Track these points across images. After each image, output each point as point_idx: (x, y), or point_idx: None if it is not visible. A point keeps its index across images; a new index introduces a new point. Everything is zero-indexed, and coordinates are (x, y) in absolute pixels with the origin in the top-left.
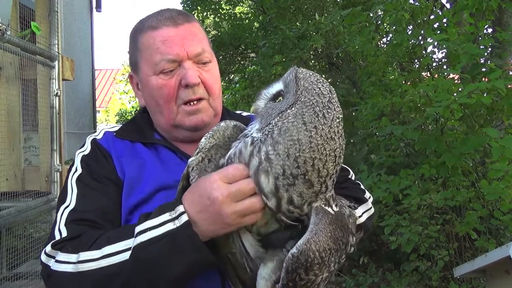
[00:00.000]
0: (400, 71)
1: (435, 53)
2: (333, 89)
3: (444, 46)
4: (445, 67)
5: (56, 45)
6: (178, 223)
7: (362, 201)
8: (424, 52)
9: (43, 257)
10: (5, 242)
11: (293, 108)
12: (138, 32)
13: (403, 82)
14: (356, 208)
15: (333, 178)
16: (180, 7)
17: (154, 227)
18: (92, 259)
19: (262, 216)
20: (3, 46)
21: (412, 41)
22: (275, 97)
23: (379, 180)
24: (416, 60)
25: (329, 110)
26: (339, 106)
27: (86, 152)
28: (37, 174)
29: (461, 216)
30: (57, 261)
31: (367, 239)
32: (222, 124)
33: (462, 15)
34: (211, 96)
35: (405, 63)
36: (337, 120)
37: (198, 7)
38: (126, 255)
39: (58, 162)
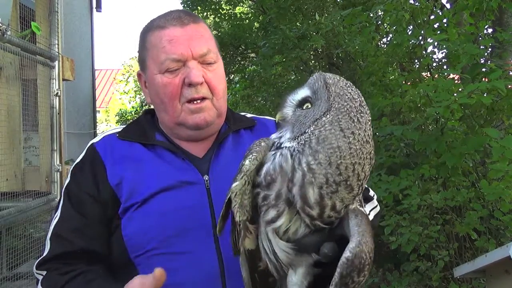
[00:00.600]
0: (400, 71)
1: (435, 53)
2: (360, 92)
3: (444, 46)
4: (445, 67)
5: (56, 45)
6: None
7: (367, 199)
8: (424, 52)
9: (35, 271)
10: (5, 242)
11: (328, 116)
12: (147, 31)
13: (403, 82)
14: (363, 206)
15: (368, 178)
16: (180, 7)
17: None
18: None
19: (293, 222)
20: (4, 46)
21: (412, 41)
22: (301, 103)
23: (379, 180)
24: (416, 60)
25: (362, 114)
26: (368, 108)
27: (78, 160)
28: (37, 174)
29: (461, 216)
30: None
31: None
32: (263, 144)
33: (462, 15)
34: (215, 96)
35: (405, 63)
36: (369, 123)
37: (199, 7)
38: None
39: (58, 162)
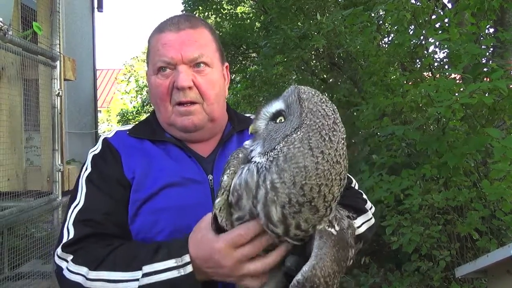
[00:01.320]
0: (401, 71)
1: (436, 53)
2: (336, 108)
3: (446, 46)
4: (446, 67)
5: (58, 45)
6: (182, 271)
7: (362, 211)
8: (425, 52)
9: (56, 259)
10: (7, 242)
11: (298, 132)
12: (151, 34)
13: (405, 82)
14: (355, 219)
15: (337, 200)
16: (181, 7)
17: (159, 272)
18: (101, 280)
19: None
20: (5, 46)
21: (414, 41)
22: (275, 116)
23: (380, 180)
24: (417, 60)
25: (334, 133)
26: (342, 126)
27: (96, 152)
28: (38, 174)
29: (462, 216)
30: (68, 270)
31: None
32: (241, 155)
33: (463, 15)
34: (205, 100)
35: (406, 63)
36: (342, 142)
37: (200, 7)
38: (132, 285)
39: (59, 162)
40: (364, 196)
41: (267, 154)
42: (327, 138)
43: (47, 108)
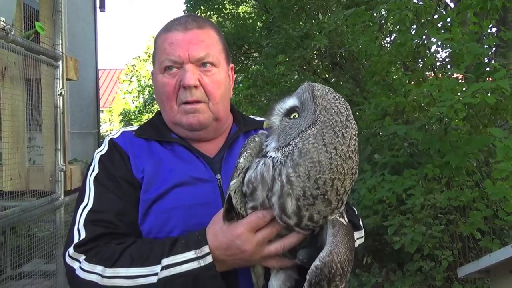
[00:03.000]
0: (403, 70)
1: (439, 53)
2: (348, 105)
3: (448, 45)
4: (449, 66)
5: (60, 45)
6: (202, 262)
7: (358, 227)
8: (428, 51)
9: (67, 259)
10: (10, 241)
11: (313, 129)
12: (158, 34)
13: (407, 81)
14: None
15: (348, 193)
16: (183, 7)
17: (179, 264)
18: (118, 276)
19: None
20: (8, 46)
21: (416, 40)
22: (289, 112)
23: (382, 180)
24: (420, 60)
25: (347, 129)
26: (354, 122)
27: (103, 152)
28: (41, 173)
29: (465, 216)
30: (82, 269)
31: (371, 238)
32: (257, 139)
33: (466, 15)
34: (211, 100)
35: (408, 62)
36: (354, 138)
37: (202, 7)
38: (151, 279)
39: (62, 162)
40: (356, 213)
41: (282, 149)
42: (340, 135)
43: (50, 108)
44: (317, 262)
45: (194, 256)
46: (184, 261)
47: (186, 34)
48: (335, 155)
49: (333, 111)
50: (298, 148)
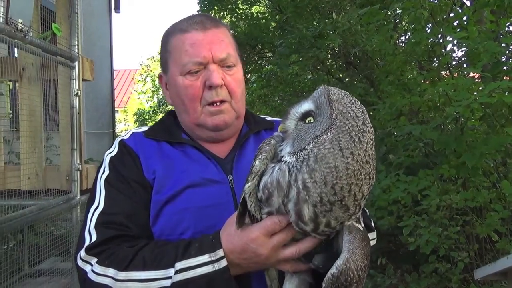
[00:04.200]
0: (418, 70)
1: (454, 52)
2: (365, 109)
3: (464, 44)
4: (465, 65)
5: (76, 46)
6: (217, 266)
7: (370, 229)
8: (443, 50)
9: (79, 262)
10: (27, 240)
11: (328, 134)
12: (170, 34)
13: (422, 81)
14: (361, 223)
15: (366, 198)
16: (197, 7)
17: (193, 267)
18: (131, 280)
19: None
20: (25, 48)
21: (431, 39)
22: (304, 116)
23: (397, 180)
24: (435, 59)
25: (364, 133)
26: (371, 127)
27: (113, 154)
28: (57, 173)
29: (481, 217)
30: (94, 272)
31: (386, 239)
32: (273, 141)
33: (483, 13)
34: (233, 99)
35: (424, 62)
36: (371, 142)
37: (215, 7)
38: (165, 283)
39: (78, 161)
40: (368, 214)
41: (297, 154)
42: (356, 139)
43: (66, 108)
44: (333, 270)
45: (209, 259)
46: (198, 265)
47: (206, 34)
48: (351, 160)
49: (349, 115)
50: (314, 153)
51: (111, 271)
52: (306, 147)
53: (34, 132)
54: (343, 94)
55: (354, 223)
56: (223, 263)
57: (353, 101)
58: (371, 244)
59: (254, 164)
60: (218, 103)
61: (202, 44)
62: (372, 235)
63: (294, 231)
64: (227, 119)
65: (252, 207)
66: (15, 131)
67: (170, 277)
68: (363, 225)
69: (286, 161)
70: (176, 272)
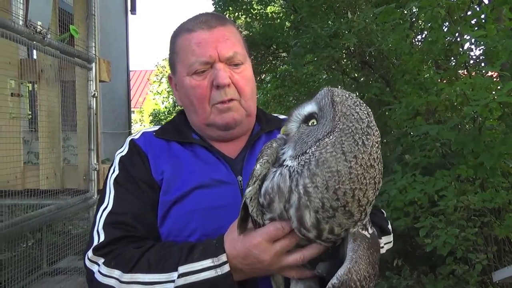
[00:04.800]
0: (435, 69)
1: (472, 50)
2: (370, 110)
3: (482, 42)
4: (483, 64)
5: (93, 48)
6: (220, 271)
7: (386, 232)
8: (461, 49)
9: (87, 262)
10: (46, 238)
11: (331, 137)
12: (176, 35)
13: (439, 80)
14: (380, 238)
15: (373, 204)
16: (212, 8)
17: (196, 272)
18: (135, 282)
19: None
20: (44, 49)
21: (448, 38)
22: (307, 119)
23: (414, 181)
24: (452, 58)
25: (368, 136)
26: (377, 129)
27: (123, 153)
28: (75, 172)
29: (500, 218)
30: (100, 273)
31: (402, 240)
32: (275, 144)
33: (501, 11)
34: (243, 97)
35: (440, 61)
36: (376, 145)
37: (230, 8)
38: (168, 286)
39: (95, 161)
40: (385, 215)
41: (298, 158)
42: (360, 142)
43: (84, 109)
44: (334, 280)
45: (212, 264)
46: (201, 270)
47: (212, 33)
48: (355, 164)
49: (353, 117)
50: (315, 157)
51: (116, 273)
52: (308, 150)
53: (53, 133)
54: (347, 95)
55: (360, 230)
56: (226, 268)
57: (357, 102)
58: (387, 248)
59: (255, 168)
60: (226, 102)
61: (208, 43)
62: (388, 238)
63: (297, 238)
64: (236, 116)
65: (254, 212)
66: (34, 132)
67: (173, 281)
68: (371, 231)
69: (287, 166)
70: (179, 276)
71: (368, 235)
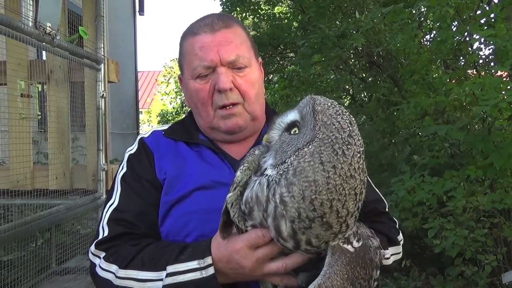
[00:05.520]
0: (444, 69)
1: (481, 50)
2: (354, 119)
3: (492, 42)
4: (492, 64)
5: (102, 49)
6: (205, 273)
7: (394, 242)
8: (470, 49)
9: (90, 255)
10: (55, 238)
11: (310, 146)
12: (183, 37)
13: (448, 80)
14: (386, 249)
15: (355, 215)
16: (220, 8)
17: (182, 272)
18: (129, 278)
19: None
20: (53, 51)
21: (457, 37)
22: (290, 127)
23: (422, 181)
24: (461, 58)
25: (349, 146)
26: (360, 138)
27: (132, 151)
28: (84, 173)
29: (510, 220)
30: (100, 267)
31: (410, 241)
32: (257, 152)
33: (511, 10)
34: (246, 101)
35: (449, 60)
36: (358, 155)
37: (237, 8)
38: (157, 285)
39: (104, 162)
40: (397, 225)
41: (277, 167)
42: (340, 152)
43: (92, 110)
44: None
45: (197, 266)
46: (187, 271)
47: (215, 36)
48: (333, 174)
49: (334, 127)
50: (293, 166)
51: (113, 268)
52: (287, 160)
53: (62, 133)
54: (329, 104)
55: (341, 244)
56: (210, 271)
57: (339, 111)
58: (394, 259)
59: (236, 174)
60: (229, 106)
61: (210, 47)
62: (396, 249)
63: (279, 246)
64: (240, 122)
65: (235, 217)
66: (44, 132)
67: (162, 279)
68: (357, 245)
69: (267, 175)
70: (167, 275)
71: (352, 249)
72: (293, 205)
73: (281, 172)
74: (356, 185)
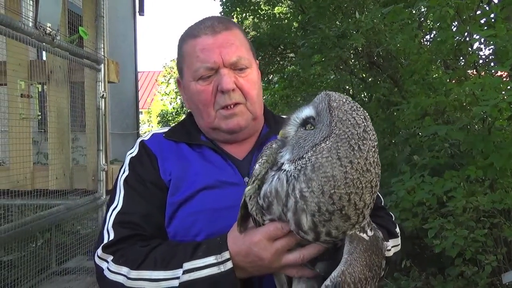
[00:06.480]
0: (444, 69)
1: (481, 50)
2: (368, 115)
3: (492, 42)
4: (492, 64)
5: (102, 49)
6: (223, 268)
7: (394, 235)
8: (470, 49)
9: (96, 259)
10: (55, 238)
11: (327, 142)
12: (182, 40)
13: (448, 80)
14: (387, 241)
15: (371, 206)
16: (220, 9)
17: (199, 268)
18: (142, 279)
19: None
20: (53, 51)
21: (457, 38)
22: (305, 123)
23: (422, 181)
24: (461, 58)
25: (364, 141)
26: (374, 133)
27: (134, 154)
28: (84, 173)
29: (510, 220)
30: (109, 270)
31: (410, 242)
32: (274, 146)
33: (511, 10)
34: (248, 100)
35: (449, 61)
36: (373, 149)
37: (238, 8)
38: (173, 283)
39: (104, 162)
40: (393, 219)
41: (295, 162)
42: (356, 148)
43: (92, 110)
44: (327, 282)
45: (215, 261)
46: (204, 266)
47: (216, 38)
48: (350, 169)
49: (350, 123)
50: (311, 162)
51: (124, 270)
52: (304, 155)
53: (62, 133)
54: (344, 100)
55: (358, 233)
56: (229, 265)
57: (354, 107)
58: (394, 251)
59: (255, 167)
60: (231, 106)
61: (212, 48)
62: (395, 241)
63: (297, 238)
64: (241, 122)
65: (253, 210)
66: (44, 133)
67: (178, 278)
68: (370, 234)
69: (285, 170)
70: (184, 273)
71: (367, 238)
72: (313, 200)
73: (300, 168)
74: (372, 178)
